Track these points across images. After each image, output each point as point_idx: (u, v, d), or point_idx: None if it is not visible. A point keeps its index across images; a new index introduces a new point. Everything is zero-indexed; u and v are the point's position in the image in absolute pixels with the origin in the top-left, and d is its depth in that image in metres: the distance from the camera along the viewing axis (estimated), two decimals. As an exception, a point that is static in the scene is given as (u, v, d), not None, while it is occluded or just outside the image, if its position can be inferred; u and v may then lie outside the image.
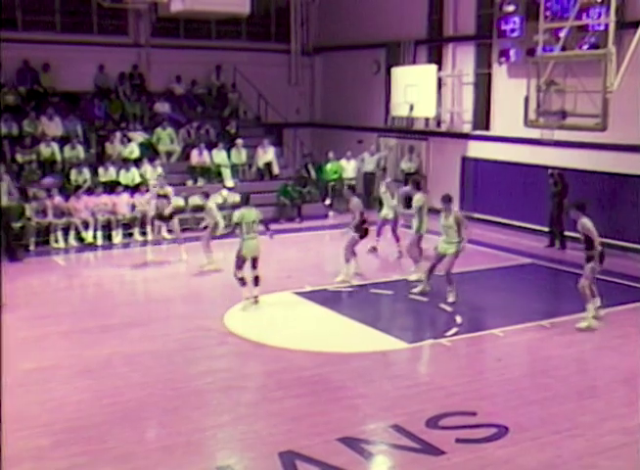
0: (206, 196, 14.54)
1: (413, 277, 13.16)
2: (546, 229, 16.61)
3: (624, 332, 10.66)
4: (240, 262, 11.62)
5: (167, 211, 15.26)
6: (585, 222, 10.59)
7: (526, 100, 15.46)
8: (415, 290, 12.42)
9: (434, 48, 20.89)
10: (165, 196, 15.36)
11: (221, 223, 14.14)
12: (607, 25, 14.04)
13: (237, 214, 11.64)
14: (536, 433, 7.50)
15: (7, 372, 8.85)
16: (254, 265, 11.74)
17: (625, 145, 15.44)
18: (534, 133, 16.26)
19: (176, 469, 6.77)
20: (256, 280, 11.76)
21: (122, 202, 17.14)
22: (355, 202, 13.29)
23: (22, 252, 15.37)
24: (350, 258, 13.25)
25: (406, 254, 13.74)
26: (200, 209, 15.77)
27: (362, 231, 13.15)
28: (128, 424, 7.70)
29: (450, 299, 11.90)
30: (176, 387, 8.65)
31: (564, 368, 9.39)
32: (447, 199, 11.98)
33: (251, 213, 11.64)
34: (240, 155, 20.24)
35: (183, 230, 15.96)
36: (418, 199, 13.22)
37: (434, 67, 19.86)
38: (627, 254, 15.38)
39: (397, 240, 15.07)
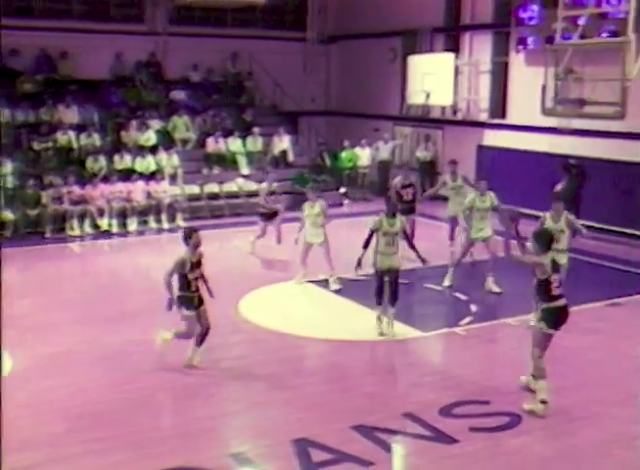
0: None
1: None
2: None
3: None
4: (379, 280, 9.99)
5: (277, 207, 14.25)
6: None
7: (544, 88, 15.34)
8: None
9: (451, 36, 20.78)
10: (273, 193, 14.61)
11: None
12: (626, 13, 13.89)
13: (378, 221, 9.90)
14: (551, 422, 7.47)
15: (23, 357, 9.00)
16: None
17: (644, 134, 15.30)
18: (552, 122, 16.12)
19: (191, 456, 6.78)
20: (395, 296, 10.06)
21: (138, 189, 17.17)
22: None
23: None
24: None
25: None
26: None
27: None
28: (142, 411, 7.72)
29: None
30: (191, 373, 8.66)
31: (580, 357, 9.31)
32: (558, 197, 9.81)
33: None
34: (256, 143, 20.22)
35: (198, 218, 15.87)
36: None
37: (451, 55, 19.78)
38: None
39: None
